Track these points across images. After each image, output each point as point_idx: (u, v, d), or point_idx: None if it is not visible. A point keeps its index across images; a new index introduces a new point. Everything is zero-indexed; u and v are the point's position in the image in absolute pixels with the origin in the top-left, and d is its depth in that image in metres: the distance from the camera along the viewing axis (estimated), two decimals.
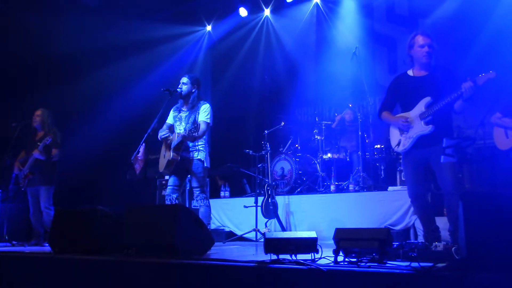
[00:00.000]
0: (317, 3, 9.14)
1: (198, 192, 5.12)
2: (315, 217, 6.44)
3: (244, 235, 6.79)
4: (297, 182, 7.36)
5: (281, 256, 3.03)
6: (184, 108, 5.28)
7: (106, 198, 7.51)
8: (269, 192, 6.69)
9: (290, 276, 2.74)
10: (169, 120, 5.36)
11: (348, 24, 8.58)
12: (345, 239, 3.01)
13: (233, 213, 7.35)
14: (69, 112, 7.92)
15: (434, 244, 3.23)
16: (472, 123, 6.20)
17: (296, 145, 8.06)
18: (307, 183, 7.37)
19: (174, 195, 5.13)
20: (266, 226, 6.66)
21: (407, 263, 2.67)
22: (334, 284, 2.59)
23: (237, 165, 8.22)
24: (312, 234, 3.22)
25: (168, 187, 5.18)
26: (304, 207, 6.67)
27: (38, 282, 3.83)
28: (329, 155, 7.36)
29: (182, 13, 9.58)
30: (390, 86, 4.40)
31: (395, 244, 3.14)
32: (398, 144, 4.20)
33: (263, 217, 6.63)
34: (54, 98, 7.52)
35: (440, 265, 2.49)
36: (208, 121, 5.12)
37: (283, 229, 6.57)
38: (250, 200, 6.93)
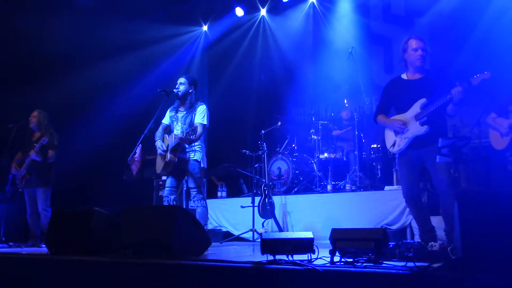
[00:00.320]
0: (313, 3, 9.12)
1: (195, 192, 5.12)
2: (312, 216, 6.46)
3: (241, 235, 6.80)
4: (294, 182, 7.37)
5: (277, 257, 3.03)
6: (181, 109, 5.28)
7: (103, 199, 7.50)
8: (266, 192, 6.70)
9: (286, 277, 2.75)
10: (165, 120, 5.35)
11: (344, 23, 8.57)
12: (341, 239, 3.02)
13: (230, 213, 7.35)
14: (65, 113, 7.88)
15: (430, 244, 3.24)
16: (468, 122, 6.22)
17: (293, 145, 8.07)
18: (304, 183, 7.38)
19: (172, 197, 5.13)
20: (263, 226, 6.66)
21: (403, 263, 2.68)
22: (330, 284, 2.59)
23: (234, 165, 8.23)
24: (308, 234, 3.23)
25: (166, 189, 5.18)
26: (301, 207, 6.68)
27: (35, 283, 3.83)
28: (325, 154, 7.38)
29: (178, 13, 9.54)
30: (385, 90, 4.43)
31: (392, 244, 3.15)
32: (393, 145, 4.22)
33: (260, 217, 6.63)
34: (51, 99, 7.50)
35: (435, 265, 2.50)
36: (205, 122, 5.13)
37: (280, 229, 6.57)
38: (247, 200, 6.93)
